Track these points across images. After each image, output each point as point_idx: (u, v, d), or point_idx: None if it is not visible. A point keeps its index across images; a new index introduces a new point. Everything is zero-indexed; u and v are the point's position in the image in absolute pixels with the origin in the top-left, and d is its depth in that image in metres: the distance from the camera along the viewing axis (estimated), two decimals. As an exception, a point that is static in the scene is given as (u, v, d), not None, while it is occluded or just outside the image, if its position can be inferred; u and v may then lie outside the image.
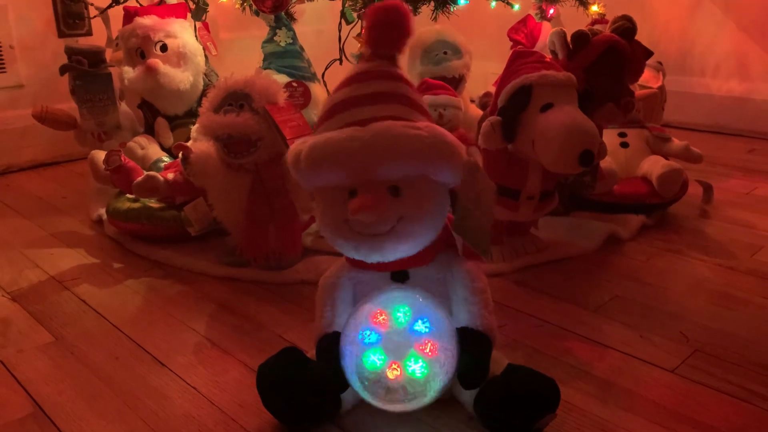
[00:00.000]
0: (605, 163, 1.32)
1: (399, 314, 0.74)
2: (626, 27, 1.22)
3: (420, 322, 0.74)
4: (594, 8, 1.65)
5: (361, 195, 0.71)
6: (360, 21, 1.41)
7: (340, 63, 1.51)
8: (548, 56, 1.17)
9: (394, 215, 0.72)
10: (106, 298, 1.15)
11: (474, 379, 0.75)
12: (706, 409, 0.82)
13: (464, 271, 0.79)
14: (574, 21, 1.54)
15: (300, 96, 1.44)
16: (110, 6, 1.69)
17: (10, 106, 1.95)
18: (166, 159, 1.52)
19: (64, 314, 1.10)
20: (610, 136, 1.46)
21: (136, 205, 1.36)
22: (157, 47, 1.50)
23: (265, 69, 1.51)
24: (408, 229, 0.73)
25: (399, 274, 0.79)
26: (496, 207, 1.16)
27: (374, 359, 0.73)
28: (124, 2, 1.63)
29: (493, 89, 1.40)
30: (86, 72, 1.54)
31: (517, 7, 1.62)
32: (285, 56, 1.50)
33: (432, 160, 0.72)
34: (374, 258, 0.75)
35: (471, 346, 0.75)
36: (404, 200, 0.72)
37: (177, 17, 1.55)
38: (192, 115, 1.54)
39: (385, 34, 0.75)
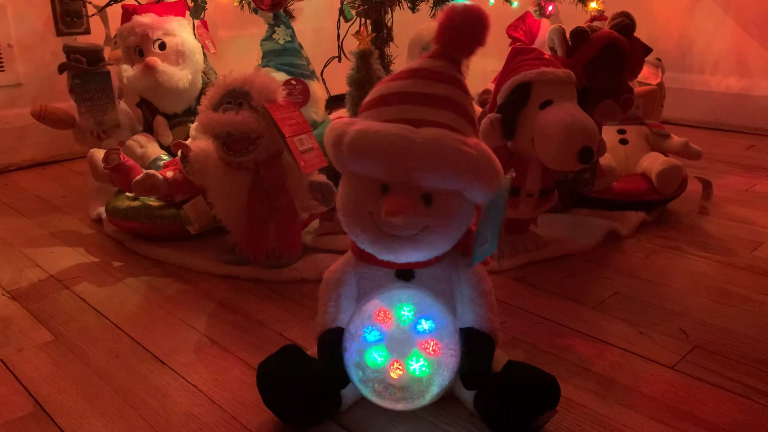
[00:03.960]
0: (604, 160, 1.33)
1: (403, 312, 0.74)
2: (625, 23, 1.23)
3: (423, 321, 0.74)
4: (593, 5, 1.64)
5: (395, 196, 0.70)
6: (358, 18, 1.41)
7: (339, 61, 1.51)
8: (547, 53, 1.17)
9: (421, 223, 0.71)
10: (105, 296, 1.15)
11: (476, 380, 0.76)
12: (705, 405, 0.82)
13: (471, 272, 0.79)
14: (572, 18, 1.54)
15: (299, 94, 1.44)
16: (108, 4, 1.69)
17: (8, 104, 1.95)
18: (165, 157, 1.52)
19: (64, 313, 1.10)
20: (609, 133, 1.46)
21: (136, 203, 1.36)
22: (156, 45, 1.50)
23: (263, 67, 1.51)
24: (429, 240, 0.72)
25: (404, 273, 0.79)
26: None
27: (376, 357, 0.73)
28: (122, 0, 1.62)
29: (492, 86, 1.40)
30: (85, 70, 1.54)
31: (515, 4, 1.62)
32: (284, 54, 1.50)
33: (474, 181, 0.71)
34: (386, 257, 0.75)
35: (475, 347, 0.75)
36: (434, 210, 0.72)
37: (175, 15, 1.55)
38: (191, 113, 1.54)
39: (460, 36, 0.73)
